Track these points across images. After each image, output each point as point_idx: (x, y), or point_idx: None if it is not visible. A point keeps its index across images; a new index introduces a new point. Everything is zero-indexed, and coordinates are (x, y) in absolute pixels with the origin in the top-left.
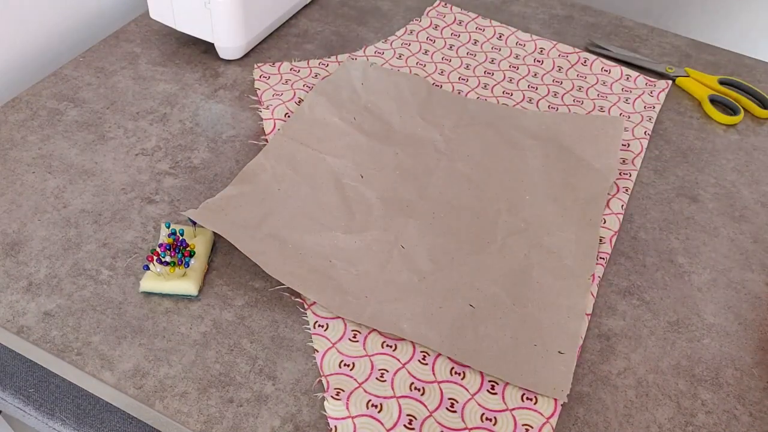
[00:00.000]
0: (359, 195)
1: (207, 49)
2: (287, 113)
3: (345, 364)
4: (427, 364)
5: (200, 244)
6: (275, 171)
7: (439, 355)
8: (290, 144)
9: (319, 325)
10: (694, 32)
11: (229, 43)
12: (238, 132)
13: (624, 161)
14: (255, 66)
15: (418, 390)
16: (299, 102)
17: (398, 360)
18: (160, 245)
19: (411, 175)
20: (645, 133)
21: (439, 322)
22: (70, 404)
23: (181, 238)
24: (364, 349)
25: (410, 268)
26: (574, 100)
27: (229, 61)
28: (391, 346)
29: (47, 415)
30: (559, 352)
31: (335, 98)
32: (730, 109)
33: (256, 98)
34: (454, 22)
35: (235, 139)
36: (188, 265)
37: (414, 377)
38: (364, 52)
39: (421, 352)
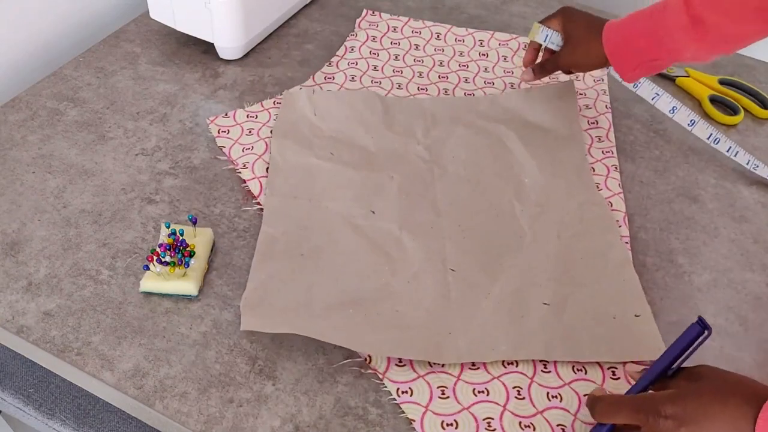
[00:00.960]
0: (381, 232)
1: (207, 49)
2: (268, 167)
3: (447, 424)
4: (524, 398)
5: (200, 245)
6: (287, 238)
7: (531, 384)
8: (284, 203)
9: (403, 392)
10: None
11: (229, 43)
12: None
13: (600, 139)
14: (208, 121)
15: (528, 427)
16: None
17: (497, 404)
18: (160, 245)
19: (416, 195)
20: (606, 106)
21: (530, 331)
22: (70, 404)
23: (181, 238)
24: (459, 403)
25: (472, 289)
26: (531, 87)
27: (229, 61)
28: (483, 392)
29: (47, 415)
30: (635, 315)
31: (299, 137)
32: (730, 109)
33: (225, 156)
34: (388, 30)
35: None
36: (188, 265)
37: (519, 416)
38: (313, 79)
39: (514, 387)
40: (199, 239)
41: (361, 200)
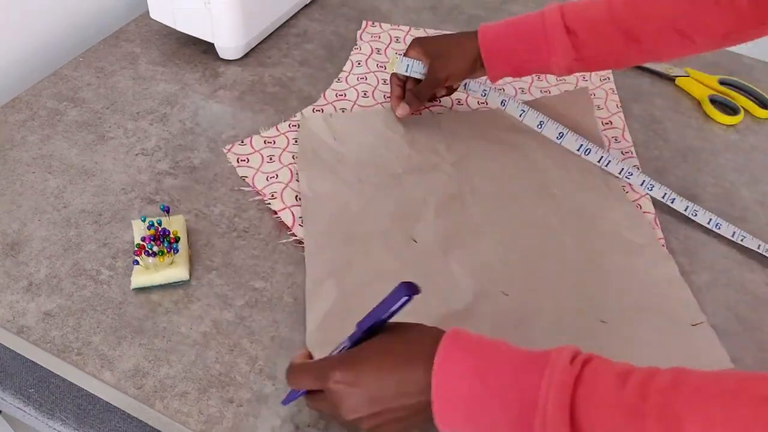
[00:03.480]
0: (427, 263)
1: (207, 49)
2: (297, 195)
3: None
4: None
5: (179, 231)
6: (334, 278)
7: None
8: (323, 239)
9: None
10: None
11: (229, 43)
12: (238, 132)
13: (617, 140)
14: (225, 150)
15: None
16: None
17: None
18: (144, 238)
19: (452, 217)
20: (617, 105)
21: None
22: (70, 404)
23: (161, 227)
24: None
25: (527, 311)
26: (541, 91)
27: (229, 61)
28: None
29: (47, 415)
30: (692, 324)
31: (323, 166)
32: (730, 109)
33: (249, 187)
34: (391, 41)
35: (235, 139)
36: (177, 251)
37: None
38: (324, 97)
39: None
40: (175, 226)
41: (399, 229)
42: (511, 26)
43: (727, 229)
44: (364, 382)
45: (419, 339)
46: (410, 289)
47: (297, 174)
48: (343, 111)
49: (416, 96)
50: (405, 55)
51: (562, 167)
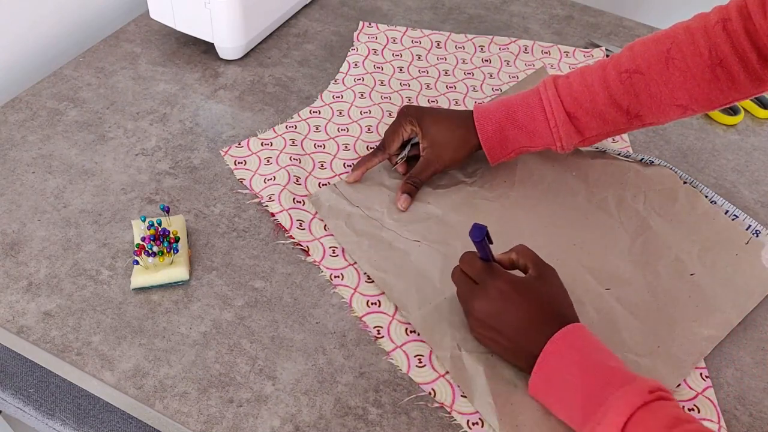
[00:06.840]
0: None
1: (207, 49)
2: (295, 198)
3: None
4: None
5: (178, 230)
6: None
7: None
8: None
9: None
10: None
11: (229, 43)
12: (238, 132)
13: (614, 139)
14: (221, 152)
15: None
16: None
17: None
18: (143, 238)
19: (528, 237)
20: None
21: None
22: (70, 404)
23: (160, 227)
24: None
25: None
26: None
27: (229, 61)
28: None
29: (47, 415)
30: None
31: (357, 227)
32: (730, 109)
33: (247, 190)
34: (388, 41)
35: (235, 139)
36: (177, 251)
37: None
38: (321, 99)
39: None
40: (175, 226)
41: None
42: (510, 115)
43: None
44: (502, 305)
45: (551, 319)
46: (478, 232)
47: (296, 176)
48: (340, 113)
49: (415, 186)
50: (400, 123)
51: (616, 179)
